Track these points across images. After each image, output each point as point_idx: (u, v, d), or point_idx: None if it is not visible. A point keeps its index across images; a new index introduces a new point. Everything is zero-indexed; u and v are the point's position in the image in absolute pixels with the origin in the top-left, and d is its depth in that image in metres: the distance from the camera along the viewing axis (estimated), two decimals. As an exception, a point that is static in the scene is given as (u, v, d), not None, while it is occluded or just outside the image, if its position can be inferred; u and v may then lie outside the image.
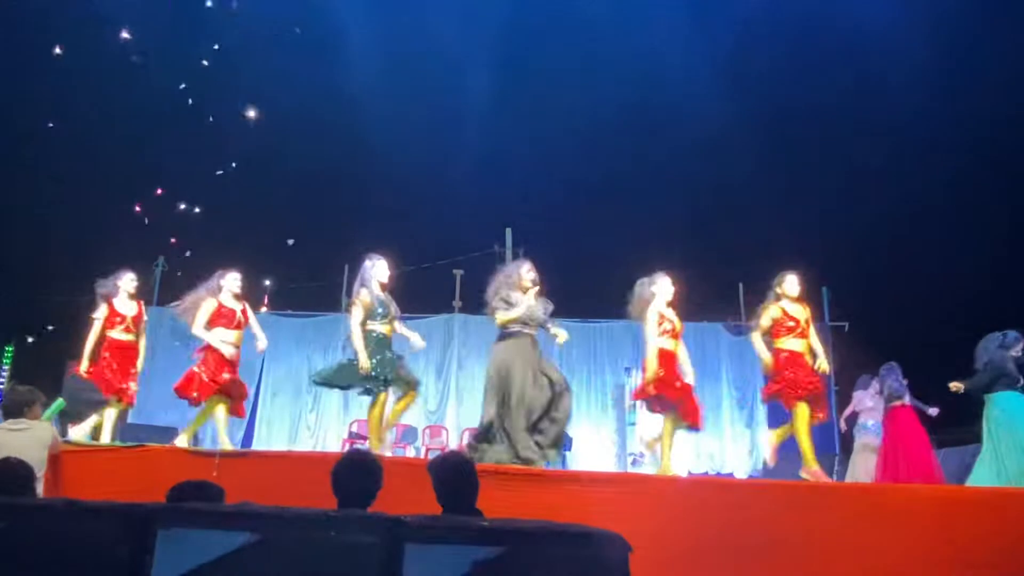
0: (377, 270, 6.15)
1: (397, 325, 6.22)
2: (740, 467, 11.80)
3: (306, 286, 13.35)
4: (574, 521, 3.31)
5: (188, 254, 12.82)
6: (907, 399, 8.04)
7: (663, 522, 4.38)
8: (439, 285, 12.77)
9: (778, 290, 6.24)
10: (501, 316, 5.76)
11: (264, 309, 13.87)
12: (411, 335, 6.27)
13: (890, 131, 11.59)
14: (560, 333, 5.92)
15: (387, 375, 5.89)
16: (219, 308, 6.20)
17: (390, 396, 6.04)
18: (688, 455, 11.54)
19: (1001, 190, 11.20)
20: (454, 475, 3.43)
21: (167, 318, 9.55)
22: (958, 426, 7.91)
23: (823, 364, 6.13)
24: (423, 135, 12.65)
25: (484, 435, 5.60)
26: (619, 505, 4.55)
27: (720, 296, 11.78)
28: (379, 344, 5.99)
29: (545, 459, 5.47)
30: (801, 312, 6.16)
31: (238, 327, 6.25)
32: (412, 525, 2.39)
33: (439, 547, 2.36)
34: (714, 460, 12.05)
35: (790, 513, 4.60)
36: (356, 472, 3.20)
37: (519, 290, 5.85)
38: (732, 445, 12.06)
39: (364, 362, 5.82)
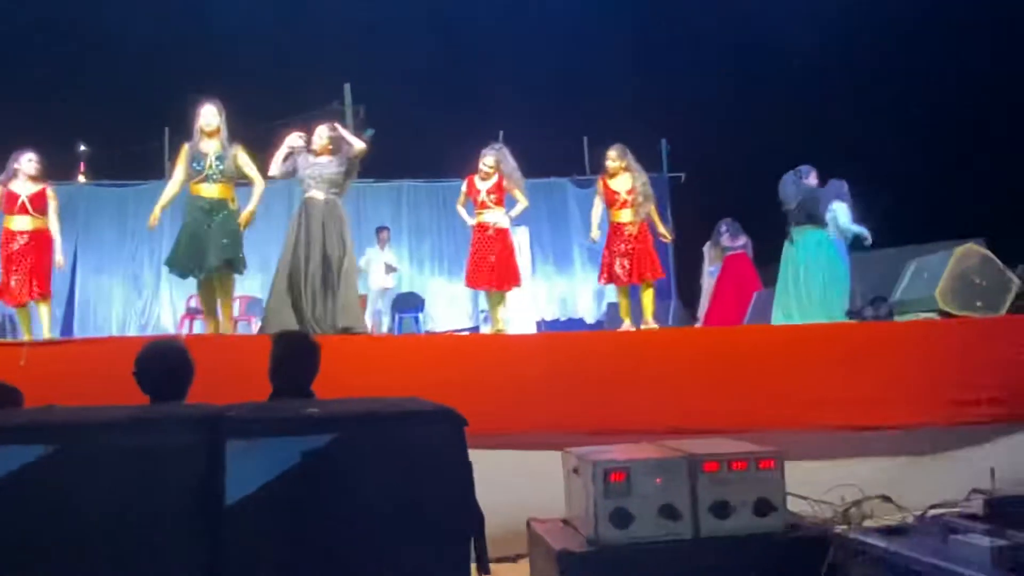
0: (201, 117, 5.58)
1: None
2: (588, 312, 12.38)
3: (126, 151, 12.12)
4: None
5: None
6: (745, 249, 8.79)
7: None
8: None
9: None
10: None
11: (81, 179, 12.61)
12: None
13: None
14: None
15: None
16: (5, 194, 5.67)
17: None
18: (541, 301, 11.99)
19: (838, 46, 11.60)
20: (287, 354, 3.31)
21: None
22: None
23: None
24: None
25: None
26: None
27: (565, 151, 11.83)
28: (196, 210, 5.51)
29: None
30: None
31: (23, 212, 5.66)
32: (231, 420, 2.25)
33: (264, 440, 2.23)
34: (566, 305, 12.58)
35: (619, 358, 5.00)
36: (159, 365, 3.00)
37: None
38: (582, 291, 12.56)
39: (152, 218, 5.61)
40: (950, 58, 11.07)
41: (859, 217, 7.77)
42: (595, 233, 6.74)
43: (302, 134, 5.88)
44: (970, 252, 6.63)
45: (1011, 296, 6.43)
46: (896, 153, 11.24)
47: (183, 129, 6.02)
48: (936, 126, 11.17)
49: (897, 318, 6.81)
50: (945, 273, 6.55)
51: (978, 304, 6.47)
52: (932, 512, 2.53)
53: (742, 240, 9.05)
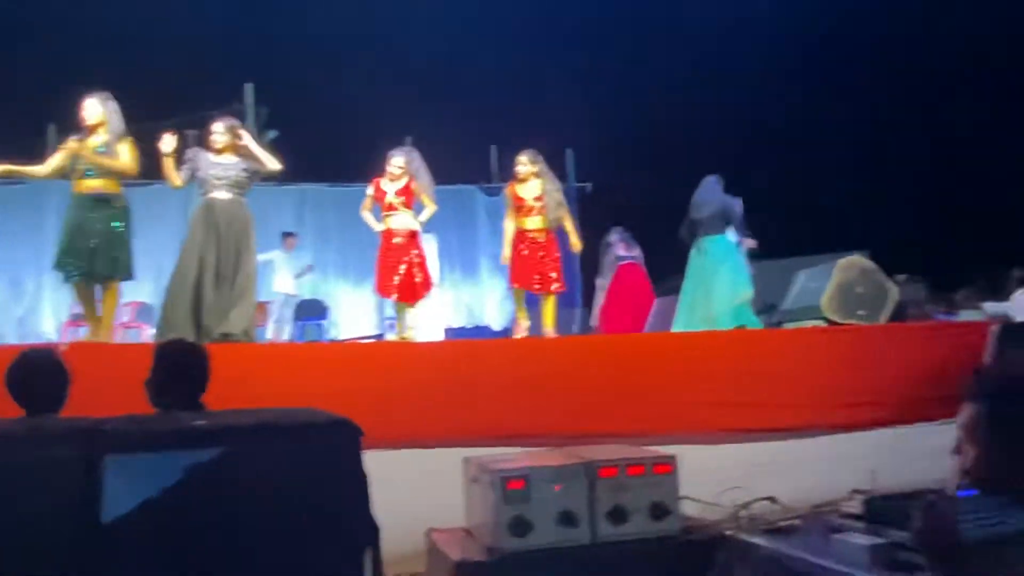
0: (84, 110, 5.22)
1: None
2: (495, 319, 12.40)
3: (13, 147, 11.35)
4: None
5: None
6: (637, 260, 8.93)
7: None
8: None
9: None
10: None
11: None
12: None
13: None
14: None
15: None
16: None
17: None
18: (448, 309, 11.93)
19: (741, 61, 12.05)
20: (172, 364, 3.14)
21: None
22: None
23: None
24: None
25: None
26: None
27: (473, 159, 11.85)
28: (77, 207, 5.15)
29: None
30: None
31: None
32: (109, 433, 2.12)
33: (144, 455, 2.12)
34: (472, 313, 12.56)
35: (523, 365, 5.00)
36: (33, 376, 2.82)
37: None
38: (489, 299, 12.58)
39: None
40: (844, 75, 11.68)
41: (749, 232, 8.03)
42: (506, 255, 6.59)
43: (174, 135, 5.48)
44: (852, 264, 7.00)
45: (891, 305, 6.83)
46: (788, 169, 11.77)
47: (70, 127, 5.65)
48: (827, 144, 11.77)
49: (786, 326, 7.13)
50: (829, 284, 6.90)
51: (860, 313, 6.83)
52: (815, 512, 2.64)
53: (636, 251, 9.13)
